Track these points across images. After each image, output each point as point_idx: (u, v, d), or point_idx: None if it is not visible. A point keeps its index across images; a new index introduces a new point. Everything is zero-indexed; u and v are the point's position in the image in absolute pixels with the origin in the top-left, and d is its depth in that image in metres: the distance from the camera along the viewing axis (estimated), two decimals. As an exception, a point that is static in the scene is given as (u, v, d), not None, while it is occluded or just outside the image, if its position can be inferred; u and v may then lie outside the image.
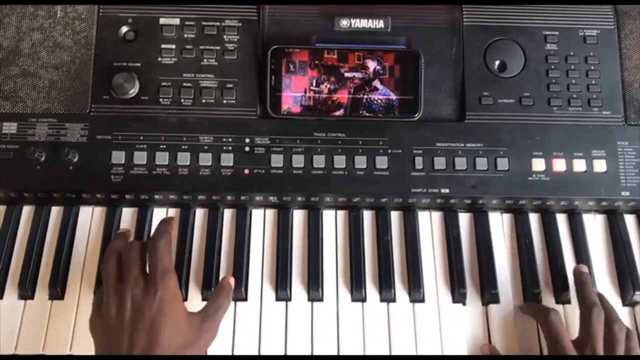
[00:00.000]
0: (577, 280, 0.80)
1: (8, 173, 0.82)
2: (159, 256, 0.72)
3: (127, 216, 0.86)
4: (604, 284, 0.84)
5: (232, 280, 0.79)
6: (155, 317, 0.68)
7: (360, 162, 0.84)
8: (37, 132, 0.83)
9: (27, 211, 0.86)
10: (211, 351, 0.78)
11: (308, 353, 0.79)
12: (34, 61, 0.85)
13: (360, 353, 0.79)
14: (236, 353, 0.78)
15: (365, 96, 0.85)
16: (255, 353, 0.79)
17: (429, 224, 0.87)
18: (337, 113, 0.85)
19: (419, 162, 0.84)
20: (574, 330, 0.78)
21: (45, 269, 0.82)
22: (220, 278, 0.80)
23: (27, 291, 0.80)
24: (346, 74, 0.85)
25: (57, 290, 0.80)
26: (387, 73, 0.85)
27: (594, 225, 0.87)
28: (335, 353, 0.79)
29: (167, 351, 0.67)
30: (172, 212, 0.87)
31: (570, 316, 0.81)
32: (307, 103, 0.85)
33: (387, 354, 0.79)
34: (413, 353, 0.79)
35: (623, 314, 0.82)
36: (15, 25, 0.86)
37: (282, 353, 0.79)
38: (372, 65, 0.85)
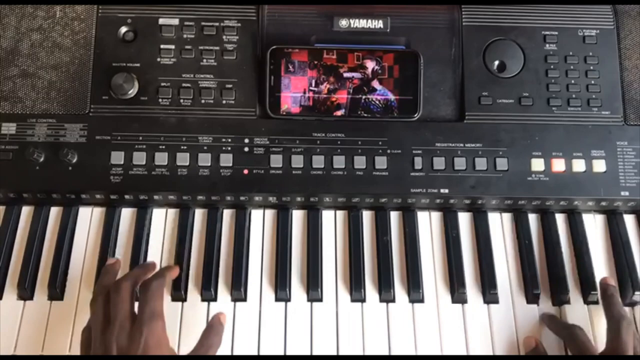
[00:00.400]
0: (604, 292, 0.79)
1: (7, 173, 0.82)
2: (148, 298, 0.71)
3: (127, 216, 0.86)
4: (605, 284, 0.84)
5: (223, 318, 0.78)
6: None
7: (360, 162, 0.84)
8: (36, 133, 0.83)
9: (26, 212, 0.86)
10: (210, 352, 0.78)
11: (307, 353, 0.78)
12: (33, 61, 0.85)
13: (360, 354, 0.79)
14: (235, 353, 0.78)
15: (365, 96, 0.85)
16: (255, 353, 0.78)
17: (429, 224, 0.87)
18: (337, 113, 0.85)
19: (418, 162, 0.84)
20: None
21: (45, 269, 0.82)
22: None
23: (26, 292, 0.80)
24: (345, 74, 0.85)
25: (57, 290, 0.80)
26: (387, 73, 0.85)
27: (594, 226, 0.87)
28: (334, 353, 0.79)
29: None
30: (172, 212, 0.86)
31: (569, 317, 0.81)
32: (306, 103, 0.85)
33: (387, 354, 0.79)
34: (412, 354, 0.79)
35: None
36: (14, 25, 0.86)
37: (281, 353, 0.79)
38: (371, 65, 0.85)
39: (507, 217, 0.88)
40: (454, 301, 0.82)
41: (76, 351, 0.78)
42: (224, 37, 0.87)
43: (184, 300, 0.81)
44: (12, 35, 0.86)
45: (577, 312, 0.81)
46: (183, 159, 0.83)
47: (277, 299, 0.82)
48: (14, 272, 0.82)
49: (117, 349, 0.67)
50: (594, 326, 0.80)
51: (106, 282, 0.76)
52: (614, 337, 0.73)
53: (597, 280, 0.83)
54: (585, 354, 0.72)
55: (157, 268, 0.81)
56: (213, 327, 0.76)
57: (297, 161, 0.84)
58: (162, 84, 0.85)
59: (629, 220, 0.88)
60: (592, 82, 0.87)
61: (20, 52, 0.85)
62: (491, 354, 0.79)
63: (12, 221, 0.85)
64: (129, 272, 0.77)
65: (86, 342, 0.72)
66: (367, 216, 0.87)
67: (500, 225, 0.87)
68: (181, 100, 0.85)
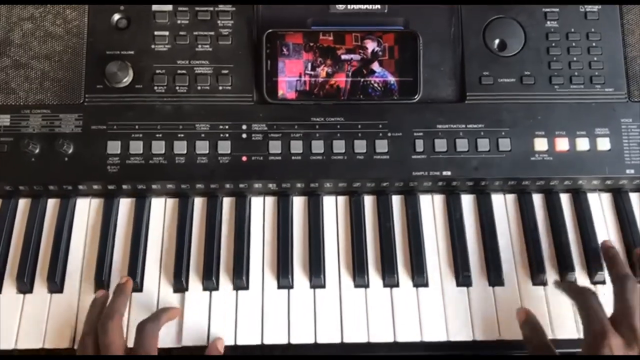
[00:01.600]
0: (605, 255, 0.78)
1: (2, 166, 0.81)
2: (142, 343, 0.71)
3: (125, 207, 0.85)
4: (611, 262, 0.83)
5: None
6: None
7: (360, 146, 0.82)
8: (30, 124, 0.82)
9: (23, 204, 0.85)
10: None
11: (311, 341, 0.78)
12: (26, 51, 0.84)
13: (364, 340, 0.78)
14: (239, 343, 0.78)
15: (363, 79, 0.83)
16: (258, 342, 0.78)
17: (431, 207, 0.86)
18: (335, 97, 0.83)
19: (419, 144, 0.83)
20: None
21: (44, 262, 0.81)
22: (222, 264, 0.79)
23: (25, 285, 0.79)
24: (343, 57, 0.83)
25: (56, 283, 0.80)
26: (386, 55, 0.83)
27: (599, 205, 0.86)
28: (338, 341, 0.78)
29: None
30: (171, 201, 0.85)
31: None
32: (304, 87, 0.83)
33: (392, 340, 0.78)
34: (418, 339, 0.78)
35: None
36: (5, 15, 0.84)
37: (285, 341, 0.78)
38: (369, 47, 0.83)
39: (511, 198, 0.86)
40: (458, 284, 0.81)
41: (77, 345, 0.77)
42: (219, 21, 0.85)
43: (185, 290, 0.80)
44: (3, 25, 0.84)
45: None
46: (180, 147, 0.82)
47: (280, 287, 0.81)
48: (13, 265, 0.81)
49: None
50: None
51: (95, 319, 0.74)
52: (620, 299, 0.70)
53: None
54: (594, 320, 0.68)
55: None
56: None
57: (297, 147, 0.82)
58: (157, 71, 0.84)
59: (634, 198, 0.86)
60: (595, 58, 0.86)
61: (12, 42, 0.84)
62: (497, 337, 0.78)
63: (9, 214, 0.84)
64: (111, 305, 0.75)
65: None
66: (368, 201, 0.86)
67: (504, 206, 0.86)
68: (177, 88, 0.84)
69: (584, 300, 0.71)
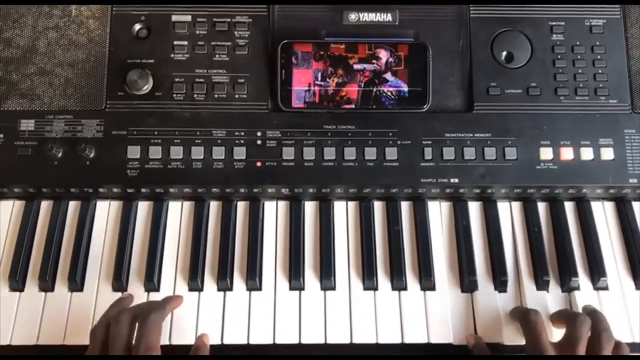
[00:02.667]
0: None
1: (26, 169, 0.84)
2: (145, 332, 0.71)
3: (143, 209, 0.88)
4: (615, 270, 0.85)
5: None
6: None
7: (370, 153, 0.85)
8: (54, 129, 0.85)
9: (45, 206, 0.88)
10: (226, 340, 0.80)
11: (322, 341, 0.80)
12: (50, 59, 0.87)
13: (373, 341, 0.80)
14: (251, 342, 0.80)
15: (375, 88, 0.86)
16: (270, 342, 0.80)
17: (439, 213, 0.88)
18: (347, 105, 0.86)
19: (428, 152, 0.85)
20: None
21: (64, 262, 0.84)
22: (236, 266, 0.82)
23: (47, 284, 0.82)
24: (355, 66, 0.86)
25: (77, 282, 0.82)
26: (400, 65, 0.86)
27: (603, 213, 0.88)
28: (348, 341, 0.80)
29: None
30: (187, 205, 0.88)
31: (579, 303, 0.82)
32: (317, 96, 0.86)
33: (399, 341, 0.80)
34: (425, 341, 0.80)
35: (635, 298, 0.83)
36: (31, 24, 0.88)
37: (296, 341, 0.80)
38: (381, 57, 0.86)
39: (516, 205, 0.89)
40: (464, 289, 0.83)
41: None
42: (236, 32, 0.88)
43: (200, 290, 0.83)
44: (30, 34, 0.88)
45: (586, 298, 0.82)
46: (198, 152, 0.85)
47: (292, 288, 0.83)
48: (35, 265, 0.84)
49: None
50: (603, 312, 0.81)
51: (111, 314, 0.75)
52: (570, 330, 0.75)
53: (607, 266, 0.84)
54: (536, 337, 0.74)
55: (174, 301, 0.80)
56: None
57: (309, 153, 0.85)
58: (176, 80, 0.87)
59: (637, 207, 0.88)
60: (600, 71, 0.88)
61: (37, 51, 0.87)
62: (502, 340, 0.81)
63: (32, 215, 0.87)
64: (135, 305, 0.77)
65: None
66: (378, 206, 0.88)
67: (509, 213, 0.88)
68: (195, 95, 0.87)
69: (526, 319, 0.77)
